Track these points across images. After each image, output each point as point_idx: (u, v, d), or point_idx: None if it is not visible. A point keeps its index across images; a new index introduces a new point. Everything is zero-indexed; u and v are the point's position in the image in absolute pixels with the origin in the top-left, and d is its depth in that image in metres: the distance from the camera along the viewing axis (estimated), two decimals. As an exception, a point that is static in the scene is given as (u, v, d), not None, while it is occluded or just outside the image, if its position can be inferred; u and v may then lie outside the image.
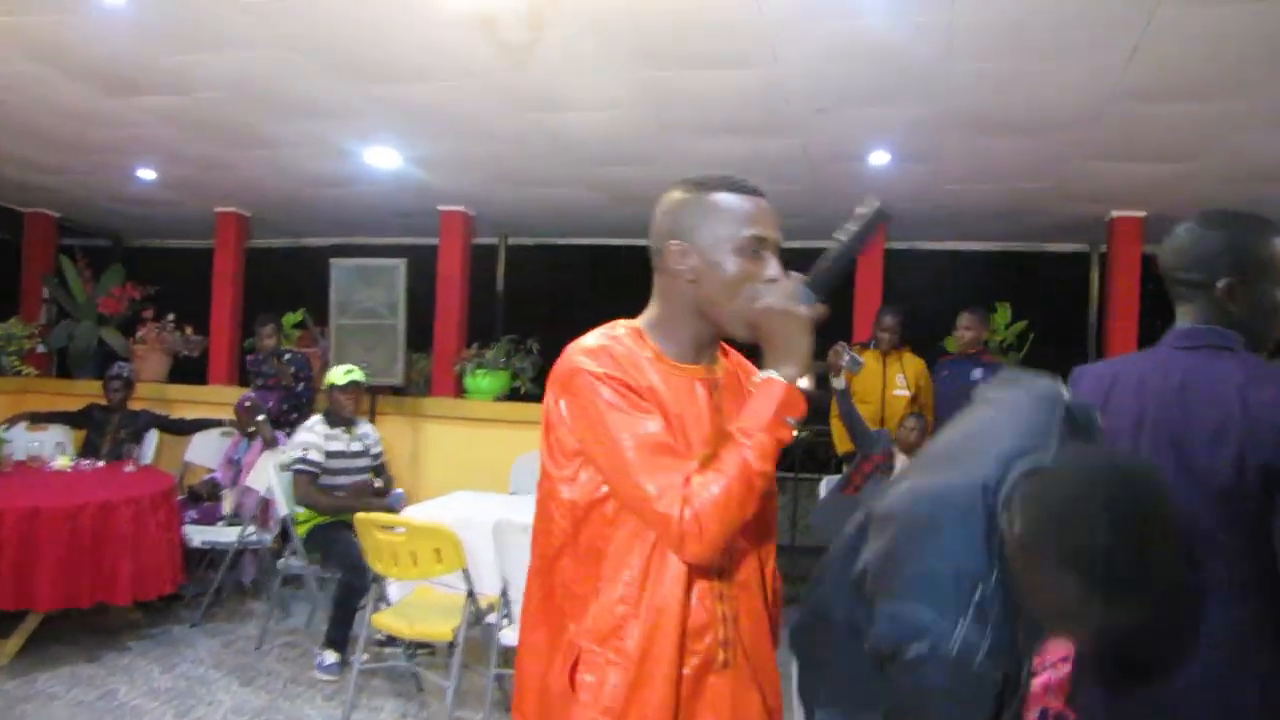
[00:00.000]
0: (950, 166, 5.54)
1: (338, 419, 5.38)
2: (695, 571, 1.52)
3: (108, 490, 4.99)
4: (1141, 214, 6.40)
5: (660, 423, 1.48)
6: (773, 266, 1.56)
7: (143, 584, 4.93)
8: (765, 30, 3.76)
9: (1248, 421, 1.64)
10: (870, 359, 5.89)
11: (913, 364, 5.87)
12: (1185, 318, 1.86)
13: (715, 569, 1.55)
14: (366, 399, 6.10)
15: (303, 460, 5.14)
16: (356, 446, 5.40)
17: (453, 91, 4.61)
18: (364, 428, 5.54)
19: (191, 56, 4.31)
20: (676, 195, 1.61)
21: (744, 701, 1.58)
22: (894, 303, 6.15)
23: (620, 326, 1.62)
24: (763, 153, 5.40)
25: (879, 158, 5.38)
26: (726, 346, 1.72)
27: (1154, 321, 6.54)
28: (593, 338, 1.57)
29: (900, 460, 5.12)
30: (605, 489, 1.51)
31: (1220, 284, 1.78)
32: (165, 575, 5.10)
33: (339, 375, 5.42)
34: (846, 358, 4.75)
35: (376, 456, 5.54)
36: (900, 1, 3.50)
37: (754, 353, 1.63)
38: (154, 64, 4.42)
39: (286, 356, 6.47)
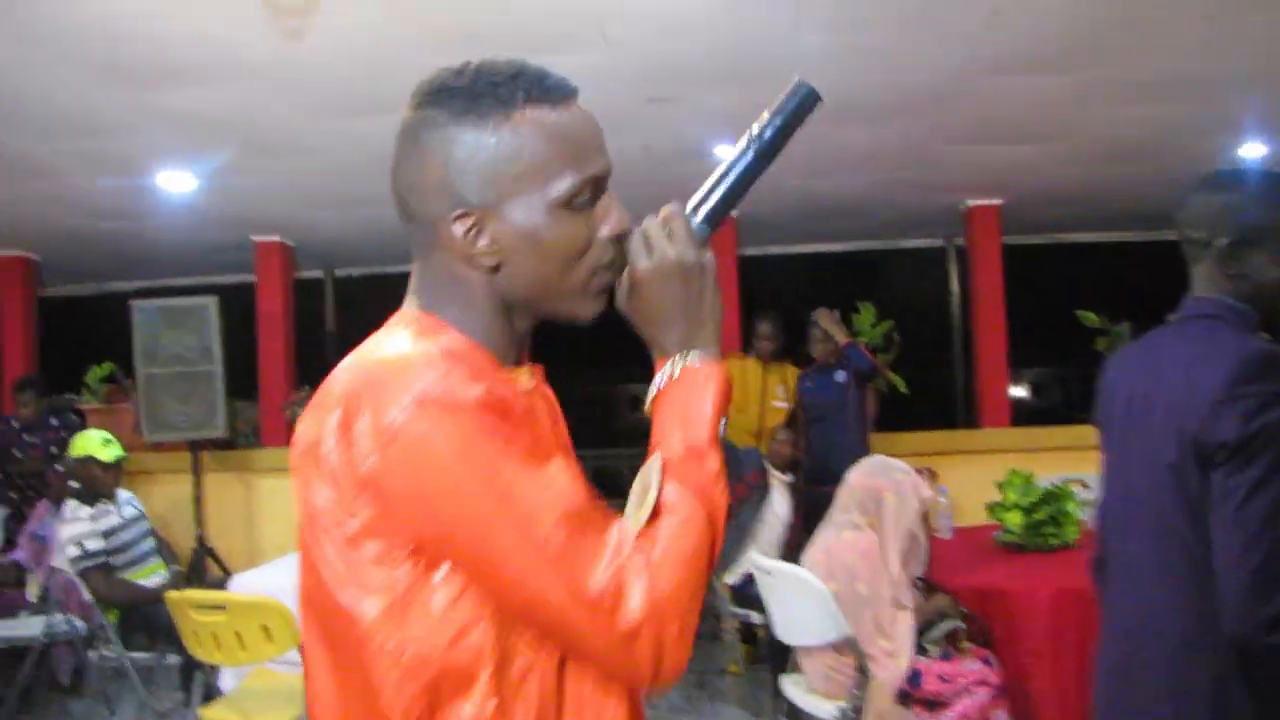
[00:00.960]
0: (797, 158, 5.24)
1: (95, 495, 4.69)
2: (628, 709, 0.99)
3: None
4: (998, 202, 6.30)
5: (567, 468, 0.92)
6: (615, 213, 1.01)
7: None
8: (590, 5, 3.37)
9: (1189, 395, 1.62)
10: (751, 367, 5.73)
11: (792, 374, 5.73)
12: (1194, 286, 1.79)
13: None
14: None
15: (85, 556, 4.45)
16: (130, 512, 4.78)
17: (239, 95, 4.07)
18: (121, 494, 4.89)
19: None
20: (439, 128, 0.97)
21: None
22: (768, 309, 5.94)
23: (409, 323, 1.00)
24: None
25: (725, 151, 5.04)
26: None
27: (1020, 313, 6.49)
28: (405, 341, 0.95)
29: (776, 477, 4.81)
30: (459, 619, 0.89)
31: (1219, 244, 1.70)
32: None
33: (98, 447, 4.73)
34: None
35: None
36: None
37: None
38: None
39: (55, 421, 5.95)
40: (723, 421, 1.00)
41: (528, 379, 1.05)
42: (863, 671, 3.34)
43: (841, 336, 5.43)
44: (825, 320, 5.44)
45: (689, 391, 0.99)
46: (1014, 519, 4.08)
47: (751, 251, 7.21)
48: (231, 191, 5.46)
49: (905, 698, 3.29)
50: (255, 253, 6.80)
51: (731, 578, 4.74)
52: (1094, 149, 5.14)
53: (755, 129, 1.05)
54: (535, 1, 3.38)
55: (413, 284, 1.04)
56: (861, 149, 5.12)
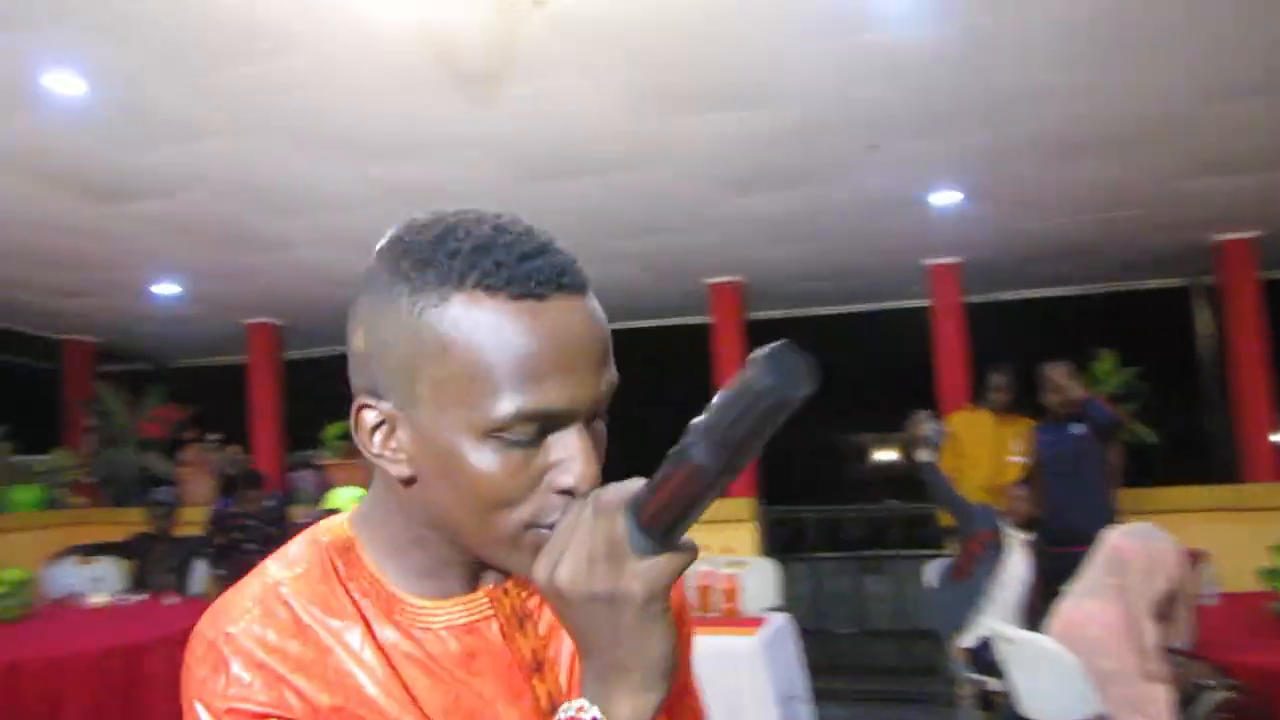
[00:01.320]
0: (1026, 201, 5.00)
1: None
2: None
3: (139, 631, 4.62)
4: (1254, 234, 5.74)
5: None
6: (574, 460, 0.72)
7: (177, 730, 4.52)
8: (793, 55, 3.29)
9: None
10: (984, 420, 5.51)
11: (1027, 427, 5.34)
12: None
13: None
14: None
15: None
16: None
17: (449, 165, 4.25)
18: None
19: (165, 151, 4.00)
20: (375, 289, 0.75)
21: None
22: (1004, 360, 5.66)
23: (308, 547, 0.83)
24: (812, 206, 4.93)
25: (946, 197, 4.86)
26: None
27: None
28: (245, 590, 0.79)
29: (1012, 536, 4.51)
30: None
31: None
32: None
33: (346, 501, 4.98)
34: (931, 428, 4.21)
35: None
36: (948, 2, 3.01)
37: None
38: (128, 163, 4.12)
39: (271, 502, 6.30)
40: None
41: (478, 601, 0.83)
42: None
43: (1077, 392, 5.03)
44: (1059, 376, 5.06)
45: None
46: (1294, 586, 3.68)
47: (978, 299, 6.91)
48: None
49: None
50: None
51: (966, 640, 4.48)
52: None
53: (696, 432, 0.65)
54: (730, 58, 3.32)
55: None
56: (1094, 187, 4.81)
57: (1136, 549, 3.25)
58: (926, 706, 5.57)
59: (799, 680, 4.48)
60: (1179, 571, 3.23)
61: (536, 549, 0.72)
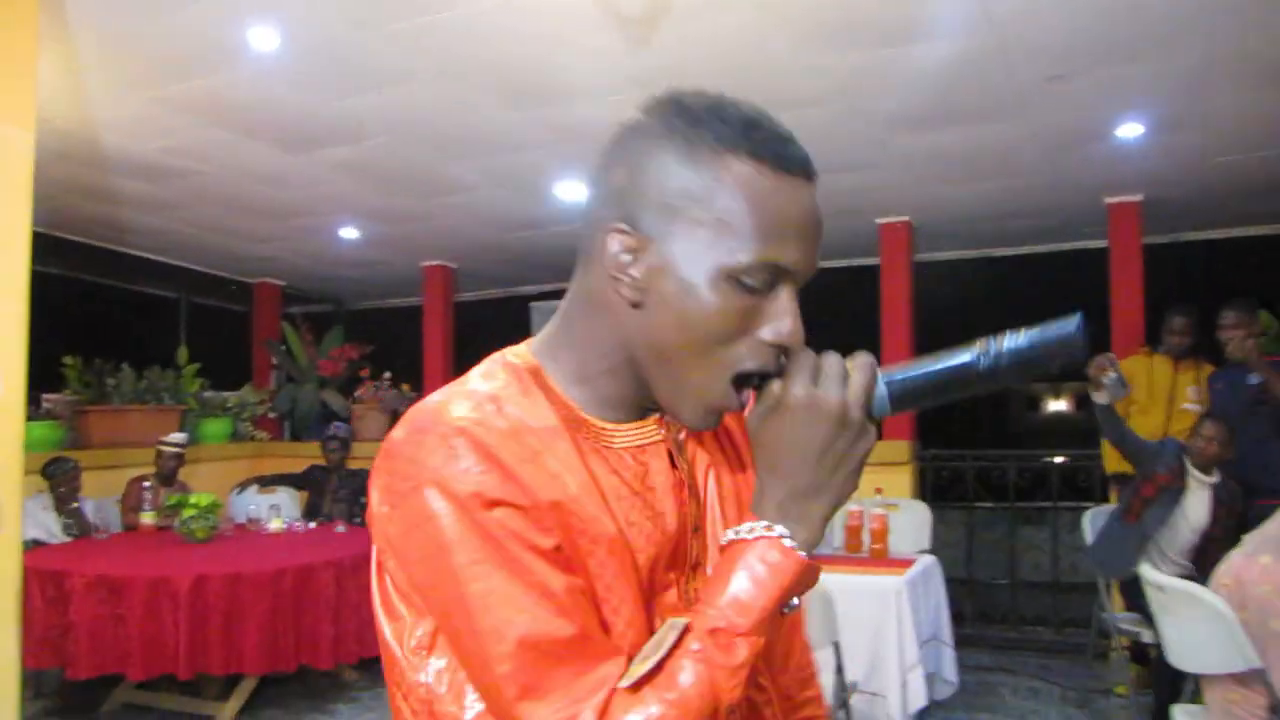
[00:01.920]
0: (1221, 133, 4.66)
1: None
2: None
3: (310, 554, 4.98)
4: None
5: (565, 590, 0.82)
6: (788, 317, 0.86)
7: (345, 647, 4.91)
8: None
9: None
10: (1159, 365, 5.23)
11: (1207, 374, 5.09)
12: None
13: None
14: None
15: None
16: None
17: (626, 107, 4.23)
18: None
19: (352, 100, 4.20)
20: (648, 138, 0.89)
21: None
22: (1184, 303, 5.33)
23: (502, 368, 0.93)
24: (985, 143, 4.74)
25: (1129, 130, 4.58)
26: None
27: None
28: (464, 395, 0.88)
29: (1196, 480, 4.27)
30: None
31: None
32: (368, 638, 4.97)
33: None
34: (1112, 375, 4.02)
35: None
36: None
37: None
38: (318, 111, 4.33)
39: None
40: (793, 600, 0.85)
41: (651, 430, 0.95)
42: (1275, 711, 2.89)
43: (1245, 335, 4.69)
44: (1229, 317, 4.71)
45: (757, 571, 0.84)
46: None
47: (1159, 239, 6.53)
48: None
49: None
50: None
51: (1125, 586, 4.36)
52: None
53: (995, 343, 0.84)
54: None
55: (556, 314, 0.96)
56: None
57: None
58: (1075, 657, 5.43)
59: (945, 623, 4.47)
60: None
61: (719, 408, 0.87)
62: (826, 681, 3.55)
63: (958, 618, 5.54)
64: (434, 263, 7.77)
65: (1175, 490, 4.27)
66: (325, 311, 9.36)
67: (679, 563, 0.94)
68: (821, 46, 3.68)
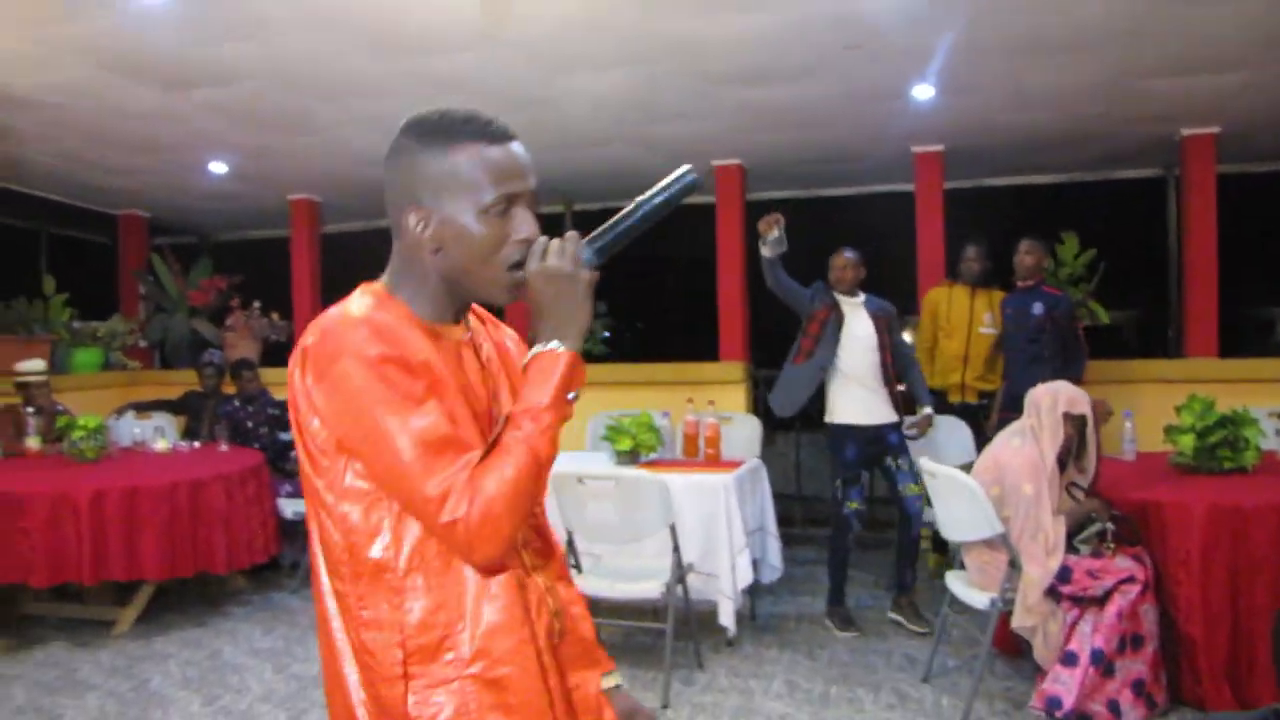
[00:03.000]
0: (998, 96, 5.44)
1: None
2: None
3: (200, 469, 5.31)
4: (1214, 130, 6.15)
5: (438, 408, 1.27)
6: (526, 224, 1.35)
7: (238, 554, 5.31)
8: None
9: None
10: (957, 293, 5.85)
11: (1000, 299, 5.73)
12: None
13: (522, 542, 1.45)
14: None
15: None
16: None
17: (479, 60, 4.73)
18: None
19: (230, 47, 4.50)
20: (410, 150, 1.37)
21: (583, 663, 1.52)
22: (976, 236, 5.99)
23: (369, 293, 1.39)
24: (805, 98, 5.40)
25: (922, 92, 5.32)
26: (475, 305, 1.52)
27: (1233, 245, 6.35)
28: (354, 306, 1.34)
29: (847, 303, 4.98)
30: (374, 493, 1.31)
31: None
32: (258, 545, 5.45)
33: None
34: (775, 233, 4.63)
35: None
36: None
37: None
38: (196, 56, 4.62)
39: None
40: (571, 394, 1.31)
41: (461, 332, 1.43)
42: (1013, 565, 3.71)
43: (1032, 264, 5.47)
44: (1022, 248, 5.47)
45: (544, 368, 1.31)
46: (1186, 441, 4.25)
47: (961, 184, 7.36)
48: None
49: (1054, 593, 3.65)
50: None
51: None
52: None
53: (643, 196, 1.36)
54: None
55: (390, 263, 1.44)
56: (1061, 83, 5.21)
57: (1044, 392, 3.88)
58: (888, 551, 6.13)
59: (769, 516, 5.08)
60: (1082, 409, 3.83)
61: (511, 286, 1.35)
62: (665, 562, 4.22)
63: (788, 521, 6.27)
64: (300, 196, 7.99)
65: (836, 319, 4.92)
66: (191, 243, 9.43)
67: (490, 421, 1.41)
68: (666, 12, 4.21)
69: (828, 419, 5.05)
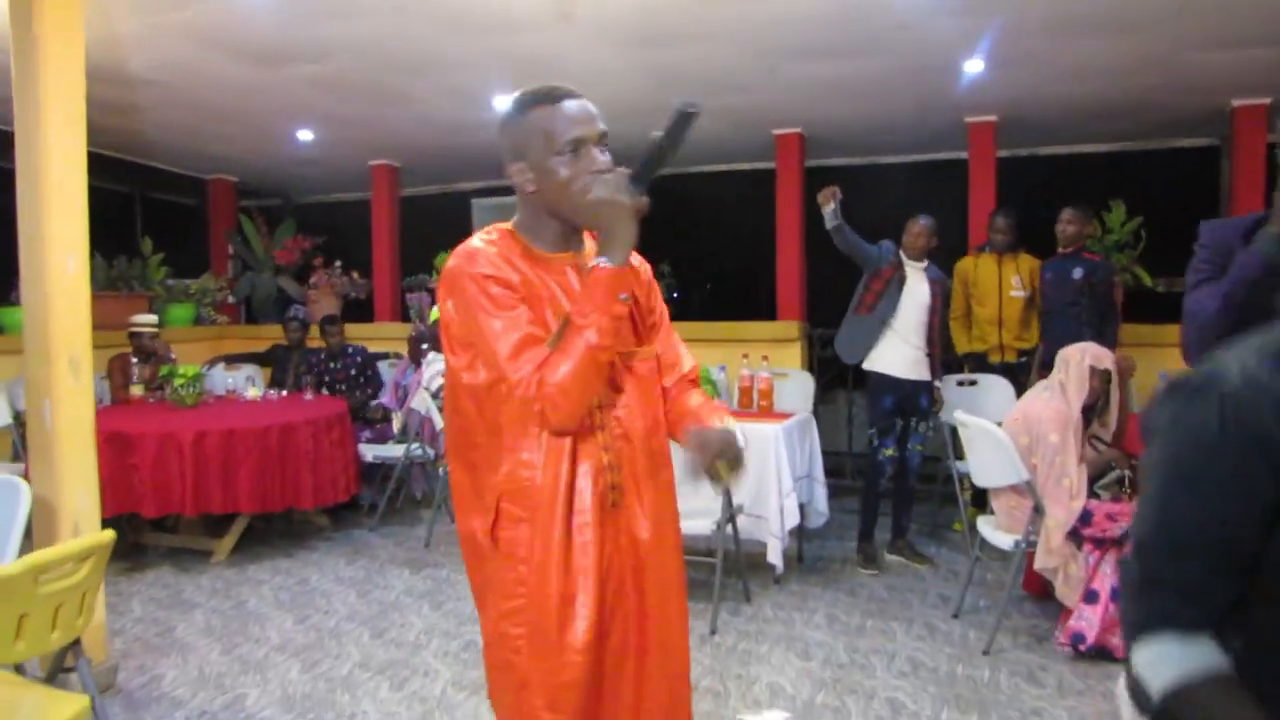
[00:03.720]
0: (1048, 70, 5.62)
1: None
2: (581, 431, 1.77)
3: (290, 414, 5.77)
4: (1266, 101, 6.26)
5: (525, 314, 1.69)
6: (597, 158, 1.73)
7: (322, 492, 5.75)
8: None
9: None
10: (987, 261, 6.10)
11: (1028, 264, 5.98)
12: None
13: (596, 424, 1.80)
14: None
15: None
16: None
17: (558, 38, 5.05)
18: None
19: (322, 28, 4.89)
20: (507, 120, 1.79)
21: (633, 532, 1.86)
22: (1006, 206, 6.25)
23: (494, 230, 1.82)
24: (861, 73, 5.64)
25: (973, 66, 5.53)
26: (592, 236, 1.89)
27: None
28: (475, 240, 1.78)
29: (911, 267, 5.27)
30: (494, 376, 1.71)
31: None
32: (341, 485, 5.90)
33: None
34: (831, 206, 4.94)
35: None
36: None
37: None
38: (292, 36, 5.02)
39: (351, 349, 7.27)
40: (621, 295, 1.67)
41: (569, 257, 1.82)
42: (1038, 510, 3.99)
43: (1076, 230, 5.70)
44: (1065, 214, 5.68)
45: (595, 281, 1.68)
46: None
47: (1016, 153, 7.54)
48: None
49: (1076, 535, 3.93)
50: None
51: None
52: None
53: (656, 134, 1.64)
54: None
55: (516, 206, 1.86)
56: (1109, 58, 5.38)
57: (1074, 349, 4.14)
58: (932, 502, 6.53)
59: (817, 464, 5.38)
60: (1107, 365, 4.08)
61: (588, 207, 1.70)
62: (717, 506, 4.56)
63: (838, 473, 6.54)
64: (381, 162, 8.39)
65: (899, 279, 5.23)
66: (275, 205, 9.91)
67: None
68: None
69: (870, 367, 5.37)
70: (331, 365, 7.18)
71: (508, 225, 1.84)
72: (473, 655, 4.06)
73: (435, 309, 6.08)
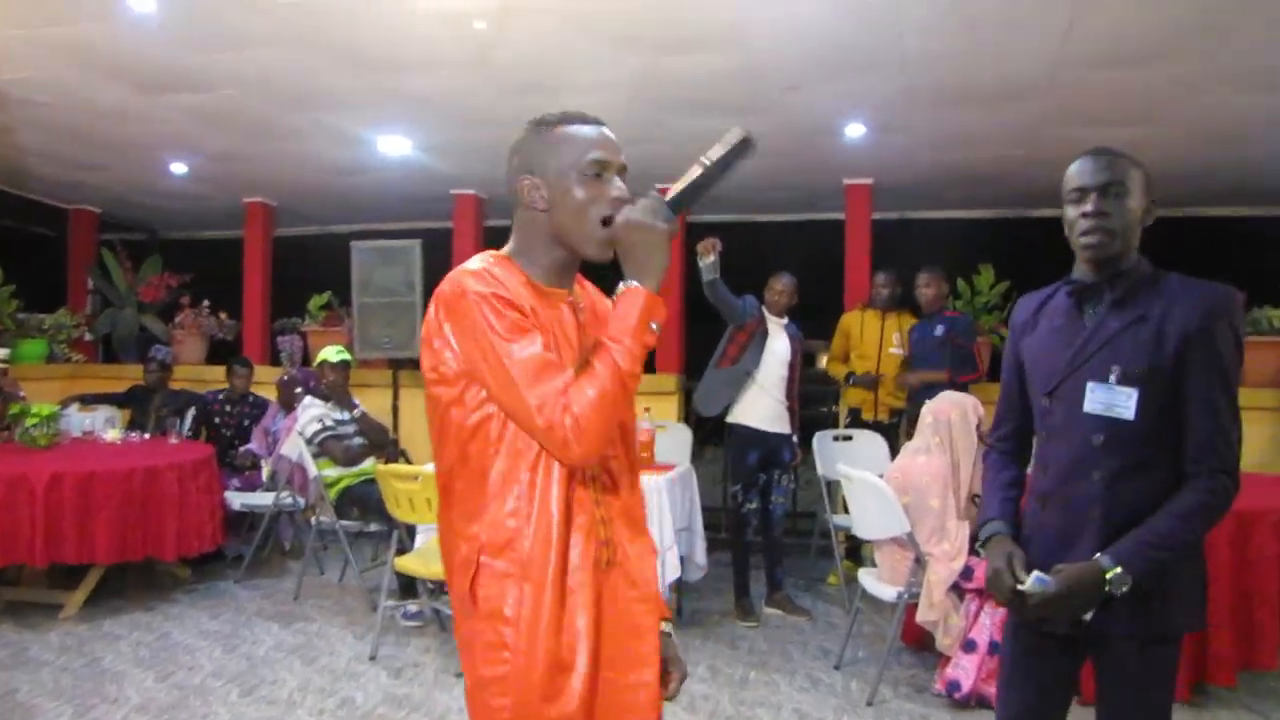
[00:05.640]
0: (924, 137, 5.87)
1: (327, 394, 5.82)
2: (573, 482, 1.63)
3: (154, 458, 5.48)
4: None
5: (541, 339, 1.55)
6: (616, 186, 1.65)
7: (187, 541, 5.46)
8: (732, 15, 4.14)
9: None
10: (871, 318, 6.32)
11: (909, 324, 6.19)
12: None
13: (589, 476, 1.66)
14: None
15: (325, 430, 5.61)
16: (347, 417, 5.85)
17: (451, 80, 5.01)
18: (357, 407, 5.96)
19: (213, 57, 4.72)
20: (526, 138, 1.70)
21: (624, 595, 1.69)
22: (889, 265, 6.47)
23: (490, 256, 1.68)
24: (749, 128, 5.74)
25: (854, 130, 5.74)
26: (581, 278, 1.81)
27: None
28: (475, 262, 1.64)
29: (773, 323, 5.42)
30: (489, 410, 1.59)
31: None
32: (206, 534, 5.62)
33: (331, 354, 5.87)
34: (710, 259, 4.96)
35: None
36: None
37: (606, 276, 1.75)
38: (180, 64, 4.83)
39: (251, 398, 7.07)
40: (653, 324, 1.56)
41: (565, 294, 1.71)
42: (919, 562, 4.09)
43: (935, 293, 5.97)
44: (924, 278, 5.95)
45: (628, 303, 1.57)
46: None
47: (885, 215, 7.81)
48: (437, 153, 6.48)
49: (957, 589, 4.04)
50: (454, 204, 7.83)
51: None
52: (1192, 131, 5.55)
53: (705, 158, 1.60)
54: (687, 10, 4.15)
55: (512, 234, 1.74)
56: (981, 128, 5.64)
57: (947, 407, 4.28)
58: (807, 554, 6.63)
59: (697, 517, 5.41)
60: (981, 410, 4.24)
61: (602, 241, 1.64)
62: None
63: (713, 527, 6.58)
64: (256, 199, 8.16)
65: (762, 333, 5.39)
66: (140, 240, 9.51)
67: (575, 362, 1.63)
68: (619, 50, 4.57)
69: (734, 419, 5.48)
70: (227, 409, 6.93)
71: (502, 252, 1.72)
72: (349, 713, 3.91)
73: (327, 351, 5.88)
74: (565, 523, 1.61)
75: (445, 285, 1.60)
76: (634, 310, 1.56)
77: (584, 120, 1.69)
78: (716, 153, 1.60)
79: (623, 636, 1.68)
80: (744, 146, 1.60)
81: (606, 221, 1.63)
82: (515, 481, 1.60)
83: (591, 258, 1.69)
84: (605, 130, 1.69)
